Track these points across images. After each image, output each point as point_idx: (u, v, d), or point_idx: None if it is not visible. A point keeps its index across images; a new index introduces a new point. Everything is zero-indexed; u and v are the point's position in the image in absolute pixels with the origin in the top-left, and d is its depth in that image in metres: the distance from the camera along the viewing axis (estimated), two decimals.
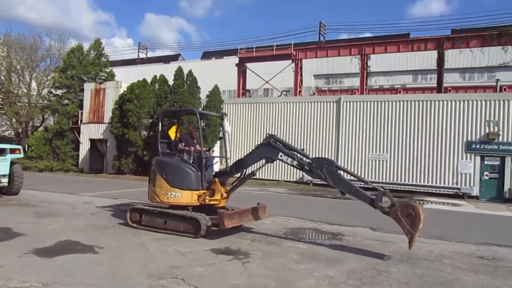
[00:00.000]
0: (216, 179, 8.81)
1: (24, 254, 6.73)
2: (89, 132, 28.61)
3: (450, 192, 20.61)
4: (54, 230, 8.76)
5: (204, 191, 8.77)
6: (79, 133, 29.15)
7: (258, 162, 8.69)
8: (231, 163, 9.07)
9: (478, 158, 20.44)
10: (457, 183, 20.66)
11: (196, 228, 8.27)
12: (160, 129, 9.91)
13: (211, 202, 8.77)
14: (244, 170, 8.78)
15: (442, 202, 18.14)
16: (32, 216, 10.37)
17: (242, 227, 9.22)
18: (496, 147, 20.00)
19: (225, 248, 7.59)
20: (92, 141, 28.53)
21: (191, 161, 9.08)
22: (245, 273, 6.10)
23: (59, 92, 30.44)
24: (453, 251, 8.16)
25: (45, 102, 32.44)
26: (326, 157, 23.19)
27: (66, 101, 29.84)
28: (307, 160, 8.09)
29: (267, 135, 8.59)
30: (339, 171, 7.96)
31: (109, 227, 9.24)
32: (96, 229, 9.02)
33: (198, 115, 9.28)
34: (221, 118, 9.90)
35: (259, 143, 8.83)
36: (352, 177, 8.71)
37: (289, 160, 8.14)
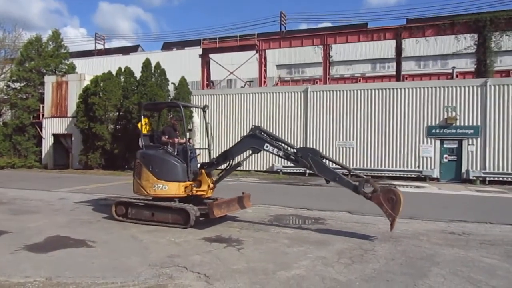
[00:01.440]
0: (203, 170, 8.99)
1: (16, 251, 6.70)
2: (52, 126, 27.69)
3: (413, 175, 21.71)
4: (38, 226, 8.67)
5: (191, 182, 8.94)
6: (41, 128, 28.16)
7: (244, 153, 8.95)
8: (212, 155, 9.30)
9: (438, 142, 21.63)
10: (419, 166, 21.80)
11: (185, 218, 8.46)
12: (142, 122, 9.93)
13: (198, 193, 8.95)
14: (230, 161, 9.00)
15: (407, 185, 19.11)
16: (10, 214, 10.17)
17: (226, 216, 9.46)
18: (454, 131, 21.24)
19: (216, 237, 7.83)
20: (56, 136, 27.66)
21: (175, 153, 9.21)
22: (243, 259, 6.39)
23: (17, 85, 29.16)
24: (427, 229, 8.81)
25: (1, 95, 31.00)
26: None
27: (25, 95, 28.65)
28: (293, 150, 8.43)
29: (253, 126, 8.86)
30: (323, 160, 8.33)
31: (94, 222, 9.23)
32: (81, 224, 9.00)
33: (181, 108, 9.39)
34: (203, 110, 10.04)
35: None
36: (336, 166, 9.12)
37: (275, 150, 8.46)
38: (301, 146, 23.66)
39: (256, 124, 9.64)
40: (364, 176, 8.05)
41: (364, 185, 7.88)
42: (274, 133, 23.58)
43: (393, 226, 7.66)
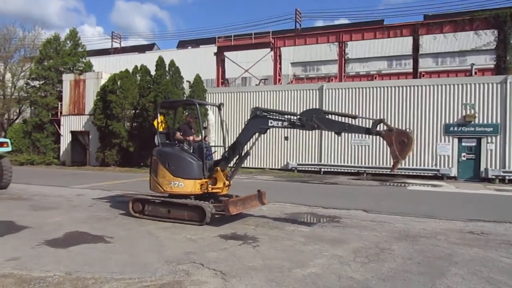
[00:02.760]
0: (218, 168, 9.02)
1: (37, 246, 6.83)
2: (70, 124, 28.15)
3: (430, 174, 21.44)
4: (57, 222, 8.83)
5: (206, 179, 8.98)
6: (59, 125, 28.65)
7: (250, 141, 8.99)
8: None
9: (455, 140, 21.30)
10: (436, 165, 21.51)
11: (201, 216, 8.51)
12: (158, 120, 10.01)
13: (214, 190, 9.00)
14: (240, 151, 9.00)
15: (423, 184, 18.90)
16: (30, 210, 10.37)
17: (242, 214, 9.49)
18: (472, 129, 20.89)
19: (232, 234, 7.86)
20: (73, 133, 28.11)
21: (191, 150, 9.26)
22: (258, 256, 6.40)
23: (36, 83, 29.72)
24: (444, 228, 8.69)
25: (21, 93, 31.63)
26: (312, 141, 23.77)
27: (44, 93, 29.18)
28: (297, 117, 8.45)
29: (252, 109, 8.95)
30: (327, 116, 8.38)
31: (112, 218, 9.36)
32: (99, 220, 9.13)
33: (197, 106, 9.44)
34: (218, 108, 10.08)
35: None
36: (342, 118, 9.05)
37: (280, 123, 8.55)
38: (316, 143, 23.71)
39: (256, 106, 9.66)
40: (379, 118, 8.01)
41: (377, 126, 7.89)
42: (287, 130, 24.00)
43: (395, 168, 7.84)
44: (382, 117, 8.06)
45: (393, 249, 6.87)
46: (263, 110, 8.88)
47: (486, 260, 6.30)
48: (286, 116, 8.63)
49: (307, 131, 24.08)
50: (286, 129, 24.26)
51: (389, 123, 22.12)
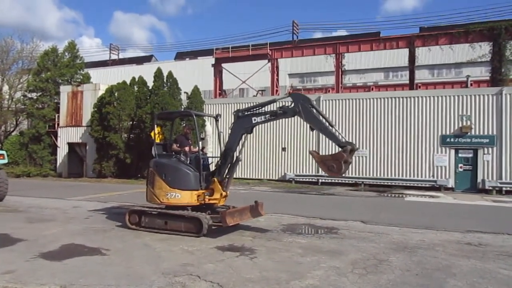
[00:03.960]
0: (215, 179, 9.00)
1: (32, 259, 6.77)
2: (67, 135, 28.11)
3: (427, 185, 21.45)
4: (53, 234, 8.76)
5: (203, 190, 8.96)
6: (56, 137, 28.59)
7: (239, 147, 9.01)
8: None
9: (452, 151, 21.35)
10: (433, 176, 21.52)
11: (198, 227, 8.47)
12: (155, 131, 10.02)
13: (211, 201, 8.96)
14: (232, 157, 8.98)
15: (421, 195, 18.88)
16: (26, 222, 10.29)
17: (239, 225, 9.44)
18: (469, 140, 20.95)
19: (229, 246, 7.82)
20: (70, 145, 28.05)
21: (188, 161, 9.25)
22: (256, 268, 6.36)
23: (33, 95, 29.74)
24: (442, 239, 8.67)
25: (18, 105, 31.63)
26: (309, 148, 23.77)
27: (41, 105, 29.18)
28: (278, 106, 8.56)
29: (234, 112, 9.03)
30: (313, 110, 8.33)
31: (108, 230, 9.29)
32: (95, 232, 9.07)
33: (194, 116, 9.45)
34: (215, 119, 10.10)
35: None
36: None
37: (262, 118, 8.63)
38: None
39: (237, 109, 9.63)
40: (351, 146, 8.01)
41: (347, 148, 7.92)
42: (284, 141, 24.02)
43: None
44: (355, 145, 8.09)
45: (391, 261, 6.84)
46: (244, 110, 8.98)
47: (484, 272, 6.28)
48: (266, 109, 8.72)
49: (304, 142, 24.22)
50: (283, 140, 24.53)
51: (387, 134, 22.07)
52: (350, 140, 23.23)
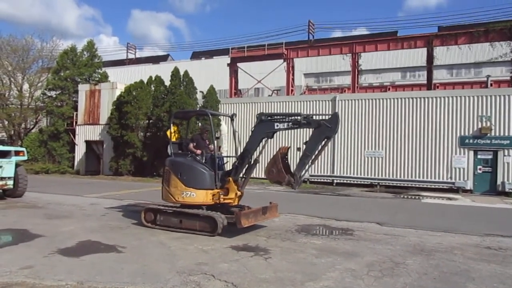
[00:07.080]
0: (230, 178, 9.00)
1: (50, 254, 6.87)
2: (85, 133, 28.54)
3: (445, 187, 21.10)
4: (71, 231, 8.88)
5: (218, 190, 8.97)
6: (74, 135, 29.05)
7: (259, 148, 8.99)
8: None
9: (471, 153, 20.96)
10: (451, 178, 21.16)
11: (213, 226, 8.48)
12: (171, 130, 10.07)
13: (226, 201, 8.97)
14: (249, 159, 8.98)
15: (438, 197, 18.58)
16: (44, 218, 10.46)
17: (254, 225, 9.43)
18: (488, 141, 20.54)
19: (243, 245, 7.81)
20: (88, 143, 28.47)
21: (204, 160, 9.27)
22: (270, 268, 6.33)
23: (53, 93, 30.26)
24: (460, 243, 8.50)
25: (38, 103, 32.22)
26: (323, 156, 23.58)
27: (60, 103, 29.67)
28: (302, 117, 8.55)
29: (257, 115, 8.96)
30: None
31: (124, 227, 9.38)
32: (111, 229, 9.17)
33: (210, 116, 9.47)
34: (231, 118, 10.11)
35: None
36: None
37: (285, 125, 8.61)
38: (329, 155, 23.54)
39: (261, 112, 9.69)
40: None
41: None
42: (300, 141, 23.81)
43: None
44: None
45: (407, 264, 6.74)
46: (267, 114, 8.94)
47: (504, 277, 6.14)
48: (290, 118, 8.66)
49: None
50: (299, 140, 24.35)
51: (403, 135, 21.77)
52: (366, 141, 23.16)
